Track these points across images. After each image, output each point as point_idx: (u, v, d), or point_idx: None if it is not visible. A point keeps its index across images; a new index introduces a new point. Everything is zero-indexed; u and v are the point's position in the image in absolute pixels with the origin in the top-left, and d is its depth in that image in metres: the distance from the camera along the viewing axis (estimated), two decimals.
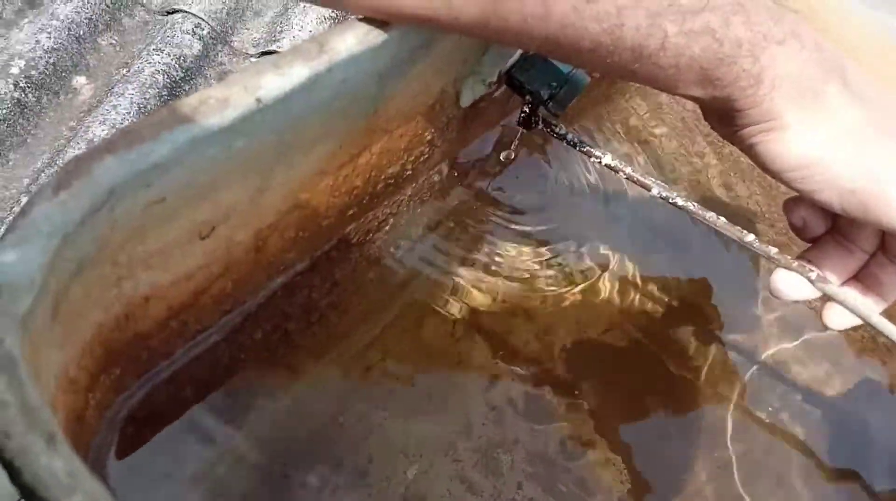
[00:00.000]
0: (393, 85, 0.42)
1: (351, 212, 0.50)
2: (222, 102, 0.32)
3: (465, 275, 0.52)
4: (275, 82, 0.33)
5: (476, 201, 0.58)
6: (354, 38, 0.36)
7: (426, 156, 0.53)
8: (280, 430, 0.44)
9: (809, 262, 0.44)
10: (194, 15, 0.70)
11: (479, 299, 0.51)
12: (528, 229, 0.56)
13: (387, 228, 0.55)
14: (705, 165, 0.63)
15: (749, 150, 0.40)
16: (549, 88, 0.47)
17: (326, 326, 0.49)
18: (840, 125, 0.38)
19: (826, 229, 0.44)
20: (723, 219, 0.46)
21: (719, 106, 0.39)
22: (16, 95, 0.62)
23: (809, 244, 0.45)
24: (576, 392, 0.48)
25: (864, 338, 0.56)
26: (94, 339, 0.36)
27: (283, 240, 0.45)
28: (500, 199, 0.58)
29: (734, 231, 0.45)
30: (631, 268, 0.55)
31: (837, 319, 0.44)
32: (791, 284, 0.43)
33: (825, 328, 0.44)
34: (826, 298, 0.44)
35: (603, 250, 0.56)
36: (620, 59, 0.36)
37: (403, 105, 0.45)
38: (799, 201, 0.43)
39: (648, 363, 0.51)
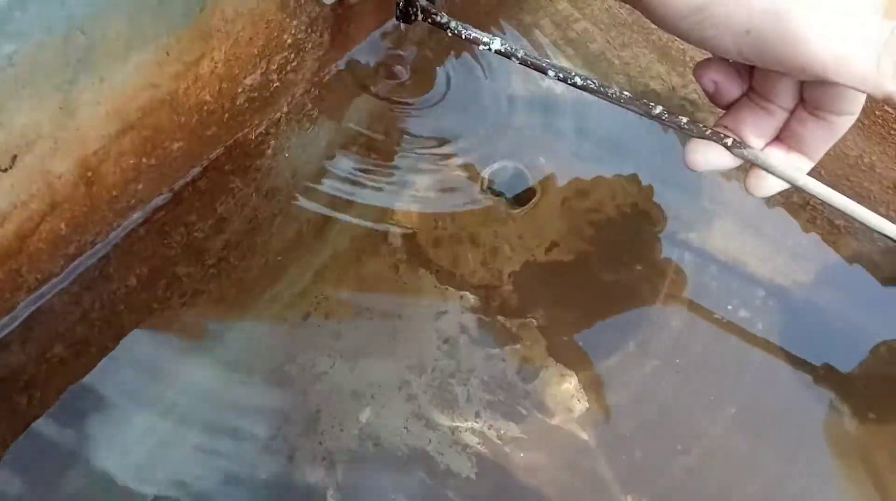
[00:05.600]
0: None
1: (209, 132, 0.45)
2: None
3: (394, 206, 0.49)
4: None
5: (383, 118, 0.52)
6: None
7: (294, 63, 0.48)
8: (209, 387, 0.42)
9: (726, 128, 0.40)
10: None
11: (417, 231, 0.49)
12: (453, 148, 0.52)
13: (269, 151, 0.50)
14: (635, 56, 0.59)
15: (636, 2, 0.35)
16: None
17: (230, 270, 0.45)
18: None
19: (742, 91, 0.39)
20: (627, 93, 0.41)
21: None
22: None
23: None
24: (527, 313, 0.47)
25: (818, 219, 0.53)
26: None
27: (121, 169, 0.40)
28: (413, 114, 0.53)
29: (640, 105, 0.40)
30: (573, 180, 0.52)
31: (762, 185, 0.40)
32: (707, 153, 0.39)
33: (750, 194, 0.40)
34: (748, 165, 0.39)
35: (541, 163, 0.53)
36: None
37: (242, 3, 0.40)
38: (707, 63, 0.39)
39: (598, 275, 0.49)
